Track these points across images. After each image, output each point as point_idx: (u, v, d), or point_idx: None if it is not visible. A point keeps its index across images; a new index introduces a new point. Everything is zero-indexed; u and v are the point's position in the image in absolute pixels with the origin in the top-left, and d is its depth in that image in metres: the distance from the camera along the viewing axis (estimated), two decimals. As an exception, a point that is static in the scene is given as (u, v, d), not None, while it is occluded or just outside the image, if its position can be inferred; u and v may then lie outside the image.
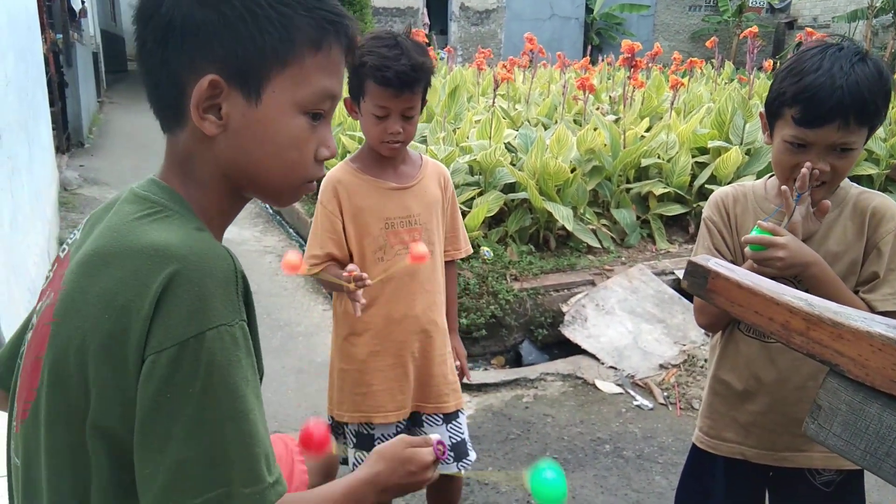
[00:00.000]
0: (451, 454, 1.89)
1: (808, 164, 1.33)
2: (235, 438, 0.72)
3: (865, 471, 1.57)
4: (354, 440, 1.85)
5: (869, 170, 5.02)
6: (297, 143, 0.83)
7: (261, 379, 0.81)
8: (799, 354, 1.41)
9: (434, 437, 1.06)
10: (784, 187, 1.36)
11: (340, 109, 5.55)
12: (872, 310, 1.38)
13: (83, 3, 9.98)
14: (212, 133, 0.80)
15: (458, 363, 1.96)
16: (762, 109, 1.46)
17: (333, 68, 0.84)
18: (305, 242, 5.05)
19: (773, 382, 1.49)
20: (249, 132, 0.81)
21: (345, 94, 1.83)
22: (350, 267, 1.61)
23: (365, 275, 1.59)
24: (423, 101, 1.76)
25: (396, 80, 1.62)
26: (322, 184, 1.81)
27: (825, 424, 0.73)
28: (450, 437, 1.89)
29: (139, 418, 0.71)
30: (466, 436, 1.93)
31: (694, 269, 0.84)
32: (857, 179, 4.95)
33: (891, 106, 1.44)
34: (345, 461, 1.83)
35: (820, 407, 0.73)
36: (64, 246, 0.89)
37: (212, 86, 0.77)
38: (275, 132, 0.82)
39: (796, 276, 1.37)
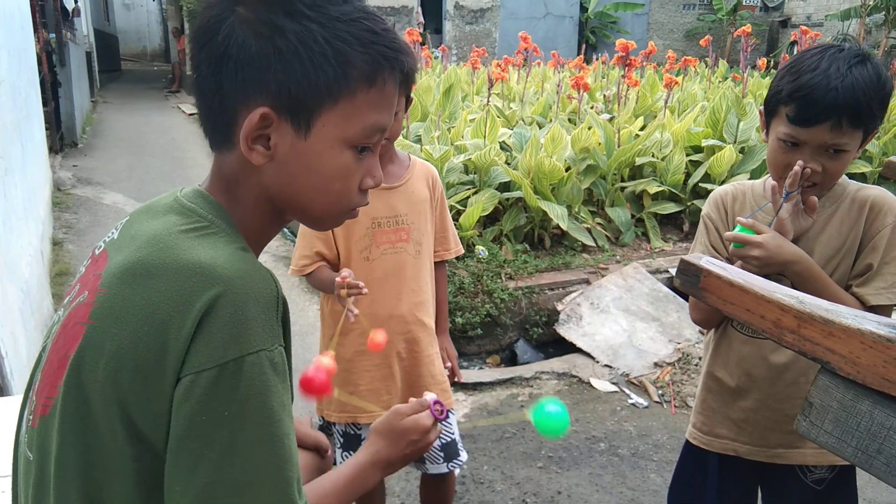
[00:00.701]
0: (442, 454, 1.89)
1: (799, 162, 1.34)
2: (268, 462, 0.73)
3: (857, 468, 1.56)
4: (342, 440, 1.85)
5: (862, 167, 5.05)
6: (342, 176, 0.84)
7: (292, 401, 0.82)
8: (791, 351, 1.42)
9: (429, 396, 1.04)
10: (773, 183, 1.37)
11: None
12: (864, 304, 1.38)
13: (76, 2, 9.94)
14: (258, 163, 0.80)
15: (448, 364, 1.96)
16: (761, 107, 1.47)
17: (386, 103, 0.84)
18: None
19: (765, 379, 1.50)
20: (296, 163, 0.81)
21: None
22: (344, 273, 1.60)
23: (361, 283, 1.57)
24: (409, 100, 1.76)
25: None
26: None
27: (817, 422, 0.73)
28: (439, 437, 1.89)
29: (173, 436, 0.72)
30: (457, 436, 1.93)
31: (686, 268, 0.84)
32: (850, 177, 4.96)
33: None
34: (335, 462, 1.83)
35: (811, 404, 0.73)
36: (100, 244, 0.88)
37: (262, 118, 0.78)
38: (321, 165, 0.82)
39: (781, 273, 1.38)
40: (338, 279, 1.58)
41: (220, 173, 0.85)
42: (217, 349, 0.71)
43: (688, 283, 0.83)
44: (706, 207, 1.58)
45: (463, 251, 2.04)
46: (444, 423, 1.91)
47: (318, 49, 0.77)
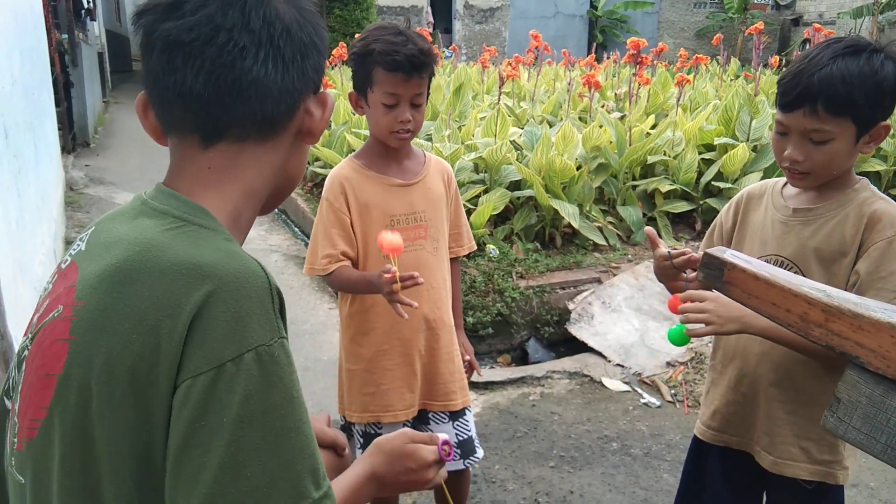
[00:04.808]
0: (458, 451, 1.88)
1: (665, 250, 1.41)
2: (274, 462, 0.69)
3: (873, 469, 1.53)
4: (362, 440, 1.84)
5: (877, 166, 4.99)
6: None
7: None
8: (774, 346, 1.41)
9: (442, 436, 1.01)
10: (650, 230, 1.46)
11: (345, 107, 5.54)
12: None
13: (90, 2, 9.98)
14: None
15: (467, 358, 1.95)
16: None
17: None
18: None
19: (751, 374, 1.52)
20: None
21: (349, 89, 1.82)
22: (391, 268, 1.56)
23: (416, 273, 1.54)
24: (428, 93, 1.76)
25: (407, 63, 1.62)
26: (328, 181, 1.80)
27: (845, 418, 0.71)
28: (456, 434, 1.88)
29: (173, 445, 0.69)
30: (474, 433, 1.92)
31: (710, 261, 0.83)
32: (864, 176, 4.90)
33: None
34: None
35: (839, 400, 0.71)
36: (66, 257, 0.83)
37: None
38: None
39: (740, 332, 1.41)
40: (386, 276, 1.55)
41: (224, 166, 0.82)
42: (213, 350, 0.69)
43: (711, 276, 0.81)
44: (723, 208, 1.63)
45: (476, 247, 2.04)
46: (458, 428, 1.91)
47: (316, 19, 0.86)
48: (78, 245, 0.84)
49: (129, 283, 0.73)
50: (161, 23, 0.77)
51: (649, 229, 1.52)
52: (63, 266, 0.83)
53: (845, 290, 1.37)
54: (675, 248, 1.44)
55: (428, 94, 1.76)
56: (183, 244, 0.75)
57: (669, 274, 1.47)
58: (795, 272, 1.41)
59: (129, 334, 0.71)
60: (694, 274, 1.41)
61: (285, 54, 0.80)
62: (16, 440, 0.80)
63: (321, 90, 0.87)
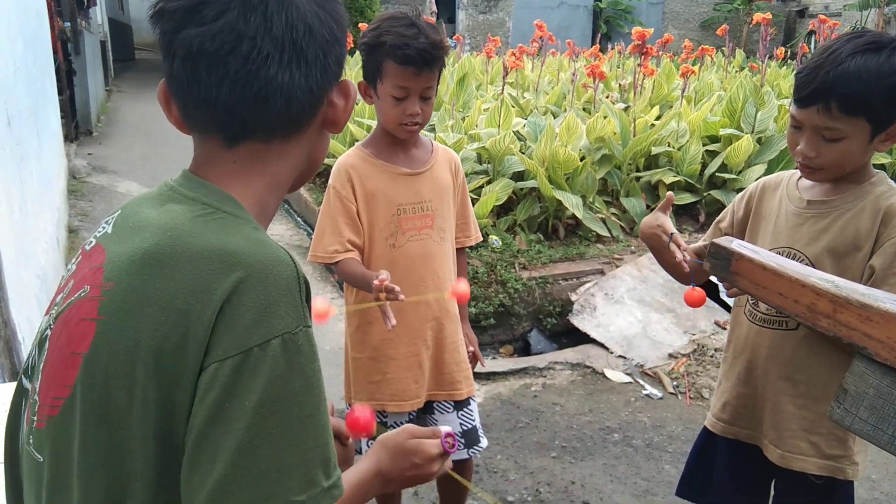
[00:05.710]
0: (462, 441, 1.89)
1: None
2: (289, 446, 0.71)
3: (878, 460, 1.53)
4: None
5: (881, 158, 4.97)
6: None
7: None
8: (784, 339, 1.41)
9: (444, 429, 1.03)
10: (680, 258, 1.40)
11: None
12: None
13: (91, -10, 9.93)
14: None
15: (471, 349, 1.95)
16: None
17: None
18: (313, 230, 5.05)
19: (761, 367, 1.51)
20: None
21: (359, 77, 1.81)
22: (382, 276, 1.55)
23: (397, 288, 1.53)
24: (437, 83, 1.74)
25: (419, 57, 1.61)
26: (334, 169, 1.80)
27: (851, 409, 0.70)
28: (461, 423, 1.88)
29: (195, 426, 0.70)
30: (478, 423, 1.93)
31: (717, 251, 0.82)
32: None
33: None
34: (359, 451, 1.82)
35: (846, 391, 0.71)
36: (91, 239, 0.84)
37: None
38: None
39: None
40: (376, 282, 1.54)
41: (252, 159, 0.82)
42: (241, 336, 0.70)
43: (718, 266, 0.81)
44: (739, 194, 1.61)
45: (482, 238, 2.03)
46: (462, 418, 1.91)
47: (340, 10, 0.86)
48: (103, 228, 0.85)
49: (160, 267, 0.74)
50: (182, 29, 0.76)
51: (671, 194, 1.50)
52: (87, 248, 0.84)
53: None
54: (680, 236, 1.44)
55: (437, 84, 1.75)
56: (213, 231, 0.76)
57: (660, 245, 1.45)
58: (807, 265, 1.40)
59: (158, 317, 0.72)
60: (689, 250, 1.41)
61: (308, 56, 0.79)
62: (35, 418, 0.80)
63: (342, 79, 0.86)
